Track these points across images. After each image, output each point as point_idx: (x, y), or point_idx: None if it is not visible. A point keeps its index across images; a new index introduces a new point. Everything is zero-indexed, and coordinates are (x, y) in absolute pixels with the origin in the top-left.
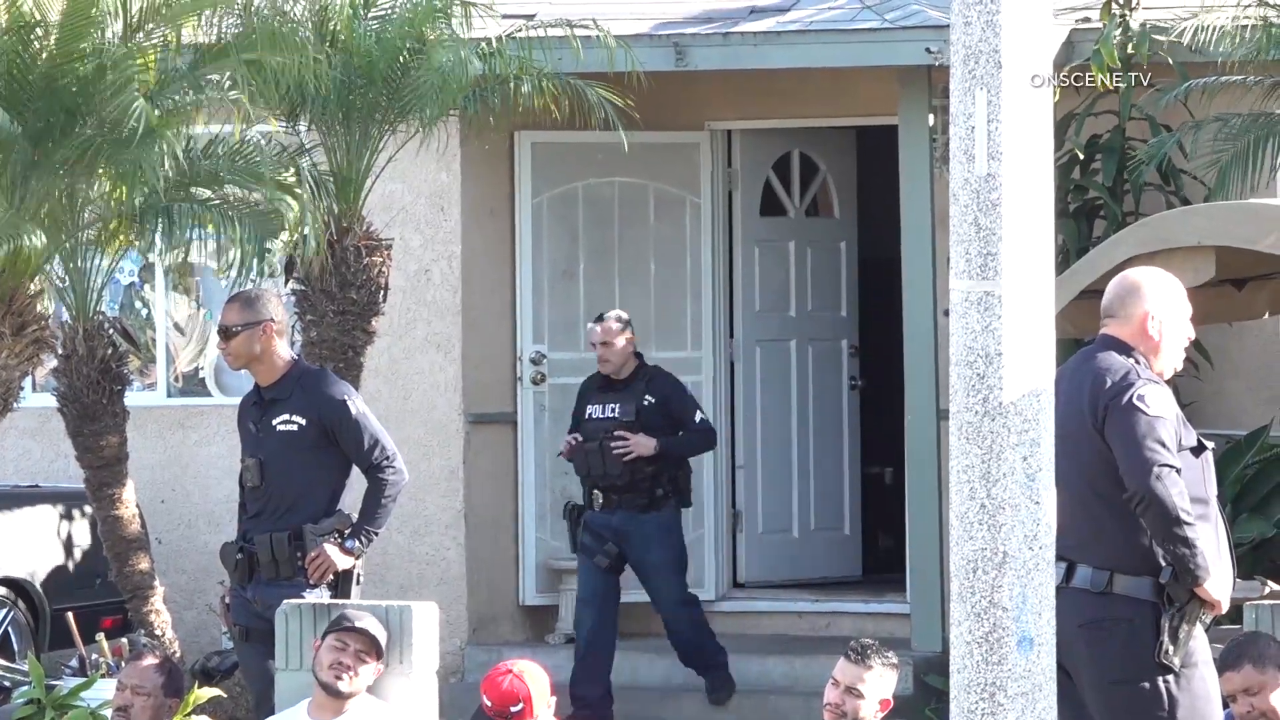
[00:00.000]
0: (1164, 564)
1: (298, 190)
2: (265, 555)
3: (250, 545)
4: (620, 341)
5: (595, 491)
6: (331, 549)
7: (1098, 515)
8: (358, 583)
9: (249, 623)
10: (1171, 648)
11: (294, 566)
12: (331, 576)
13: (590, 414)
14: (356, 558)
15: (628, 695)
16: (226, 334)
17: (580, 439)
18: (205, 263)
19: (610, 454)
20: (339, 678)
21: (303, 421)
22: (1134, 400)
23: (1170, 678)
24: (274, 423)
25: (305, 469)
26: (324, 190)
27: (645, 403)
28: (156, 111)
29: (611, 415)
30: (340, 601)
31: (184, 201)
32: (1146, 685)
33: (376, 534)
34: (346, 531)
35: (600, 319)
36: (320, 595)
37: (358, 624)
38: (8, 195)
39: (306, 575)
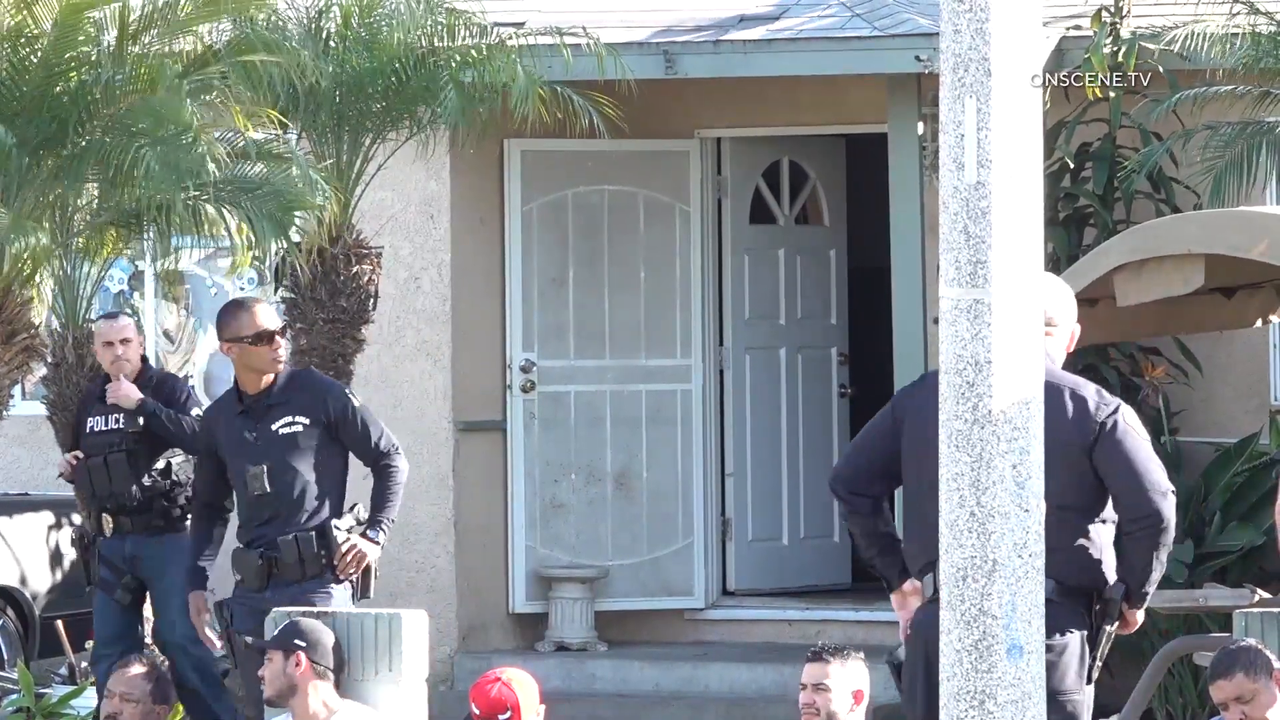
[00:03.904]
0: (1111, 580)
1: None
2: (291, 557)
3: (271, 550)
4: (137, 342)
5: (104, 516)
6: (359, 540)
7: (1050, 527)
8: (375, 576)
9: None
10: (1098, 664)
11: (320, 565)
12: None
13: (91, 427)
14: (380, 547)
15: (617, 703)
16: (283, 333)
17: (82, 456)
18: (196, 269)
19: (117, 470)
20: (263, 689)
21: (306, 421)
22: (1126, 420)
23: (1088, 689)
24: (274, 427)
25: (312, 469)
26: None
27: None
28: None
29: (116, 426)
30: (329, 610)
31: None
32: (1078, 697)
33: (392, 523)
34: (364, 524)
35: (113, 316)
36: (346, 590)
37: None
38: (4, 202)
39: (334, 572)
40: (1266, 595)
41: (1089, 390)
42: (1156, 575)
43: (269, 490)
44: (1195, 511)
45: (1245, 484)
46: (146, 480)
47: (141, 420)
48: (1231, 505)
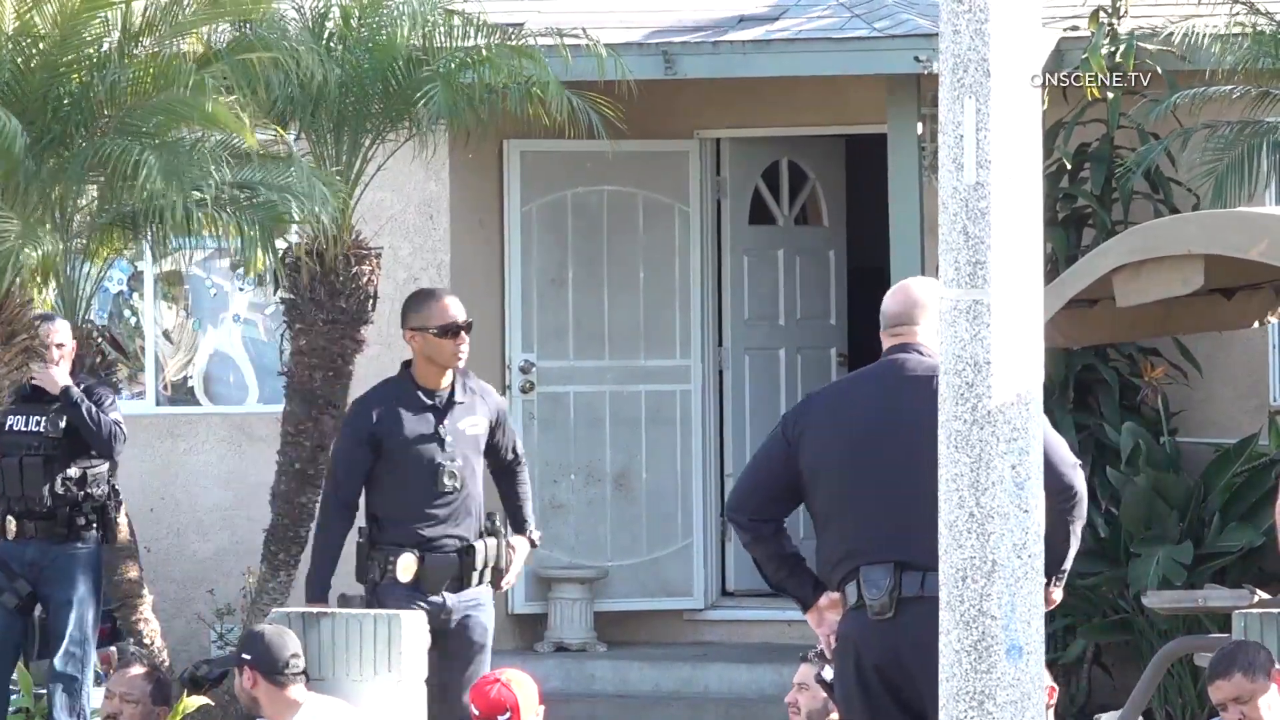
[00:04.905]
0: None
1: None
2: (481, 560)
3: (464, 554)
4: (70, 347)
5: (9, 518)
6: (523, 545)
7: None
8: None
9: (436, 628)
10: None
11: (489, 571)
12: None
13: (11, 425)
14: None
15: (616, 704)
16: (468, 328)
17: None
18: (195, 270)
19: (30, 473)
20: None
21: (485, 423)
22: None
23: None
24: (460, 425)
25: (478, 470)
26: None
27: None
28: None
29: (36, 429)
30: (328, 610)
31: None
32: None
33: None
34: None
35: (49, 318)
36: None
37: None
38: (11, 204)
39: (496, 577)
40: (1266, 596)
41: None
42: (1074, 550)
43: (459, 489)
44: (1195, 512)
45: (1245, 484)
46: (59, 488)
47: (63, 421)
48: (1231, 506)
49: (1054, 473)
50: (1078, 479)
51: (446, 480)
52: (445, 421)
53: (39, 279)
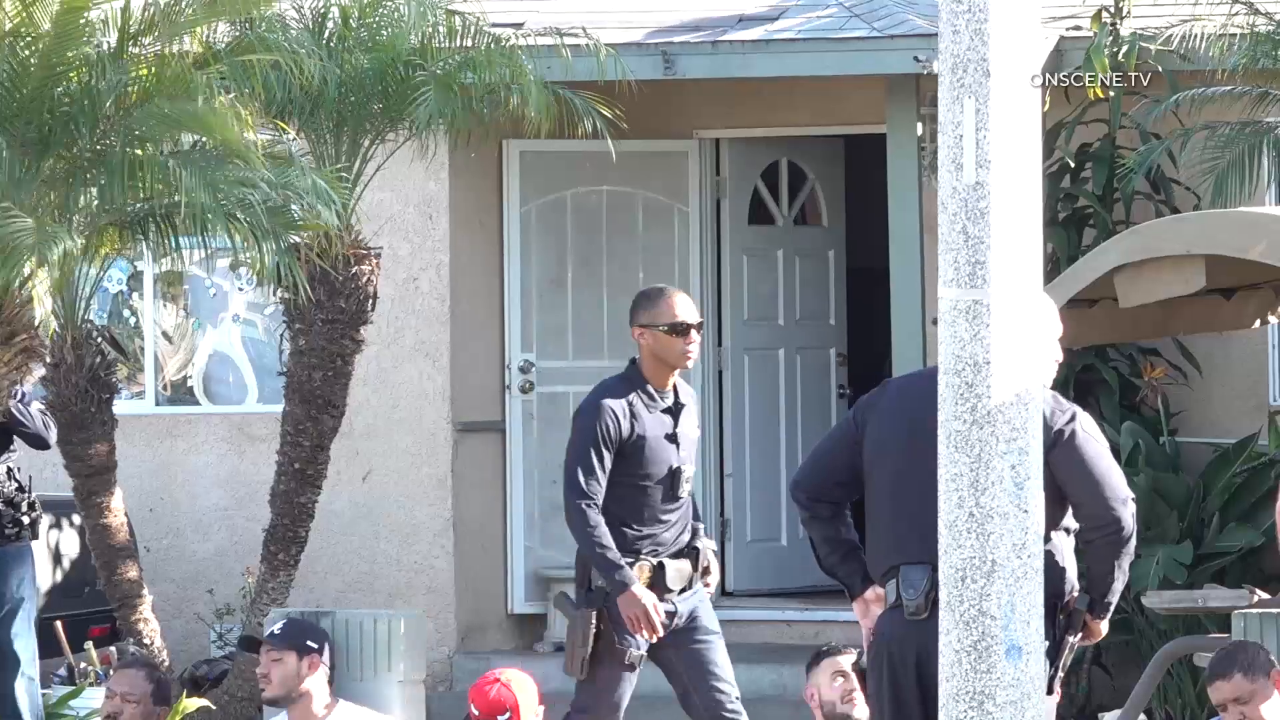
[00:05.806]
0: (1075, 590)
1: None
2: (704, 563)
3: (693, 557)
4: None
5: None
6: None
7: None
8: None
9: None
10: (1059, 676)
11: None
12: None
13: None
14: None
15: None
16: (699, 328)
17: None
18: (195, 270)
19: None
20: (263, 689)
21: (697, 423)
22: (1084, 428)
23: (1049, 699)
24: (684, 429)
25: None
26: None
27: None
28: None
29: None
30: (327, 610)
31: (181, 207)
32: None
33: None
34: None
35: None
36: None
37: (265, 635)
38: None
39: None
40: (1266, 596)
41: (1045, 397)
42: (1119, 585)
43: (687, 495)
44: (1194, 512)
45: (1244, 485)
46: None
47: None
48: (1230, 506)
49: (1103, 505)
50: (1126, 514)
51: (685, 486)
52: (679, 424)
53: (52, 279)
